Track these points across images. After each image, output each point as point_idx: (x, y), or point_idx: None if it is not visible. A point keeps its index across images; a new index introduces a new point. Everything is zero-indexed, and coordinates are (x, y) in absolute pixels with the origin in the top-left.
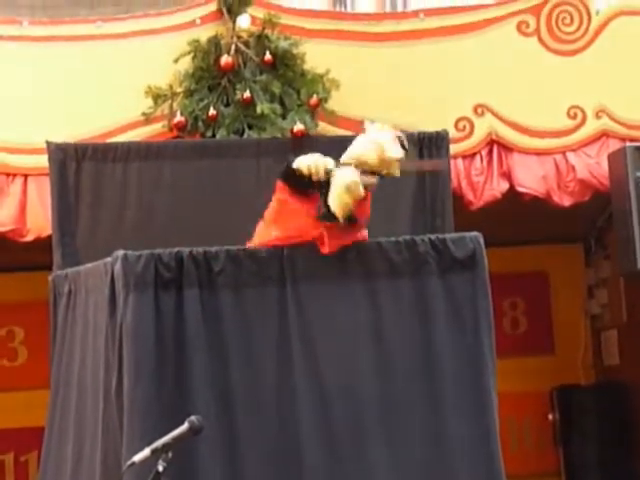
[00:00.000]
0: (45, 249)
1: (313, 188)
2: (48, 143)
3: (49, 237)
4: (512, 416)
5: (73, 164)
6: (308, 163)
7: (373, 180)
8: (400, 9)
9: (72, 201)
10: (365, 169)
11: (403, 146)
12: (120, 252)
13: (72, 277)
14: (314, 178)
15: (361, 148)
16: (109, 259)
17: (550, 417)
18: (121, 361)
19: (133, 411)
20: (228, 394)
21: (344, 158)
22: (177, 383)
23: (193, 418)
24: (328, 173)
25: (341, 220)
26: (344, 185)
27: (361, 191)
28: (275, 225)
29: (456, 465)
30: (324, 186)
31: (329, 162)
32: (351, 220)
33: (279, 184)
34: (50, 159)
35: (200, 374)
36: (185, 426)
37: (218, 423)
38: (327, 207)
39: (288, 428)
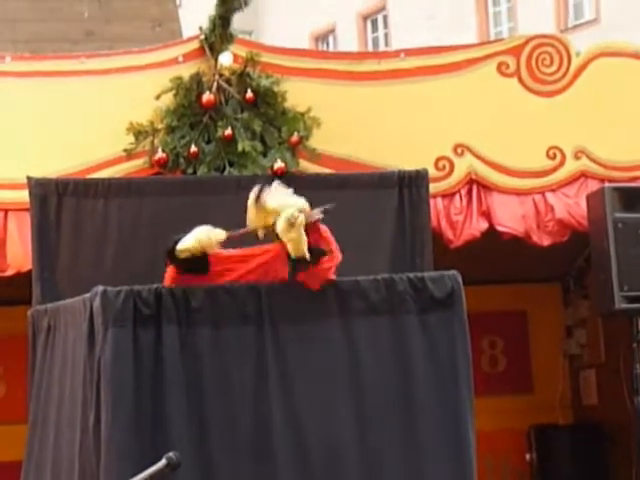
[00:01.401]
0: (25, 284)
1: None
2: (29, 178)
3: (29, 272)
4: (490, 455)
5: (54, 199)
6: (191, 245)
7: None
8: (382, 49)
9: (52, 236)
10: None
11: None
12: (99, 288)
13: (51, 312)
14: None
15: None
16: (88, 295)
17: (528, 457)
18: (99, 398)
19: (110, 447)
20: (206, 431)
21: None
22: (155, 420)
23: (171, 454)
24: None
25: (306, 257)
26: (284, 224)
27: (301, 219)
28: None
29: None
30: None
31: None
32: (313, 253)
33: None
34: (31, 194)
35: (178, 411)
36: (163, 462)
37: (196, 460)
38: (290, 259)
39: (266, 468)
